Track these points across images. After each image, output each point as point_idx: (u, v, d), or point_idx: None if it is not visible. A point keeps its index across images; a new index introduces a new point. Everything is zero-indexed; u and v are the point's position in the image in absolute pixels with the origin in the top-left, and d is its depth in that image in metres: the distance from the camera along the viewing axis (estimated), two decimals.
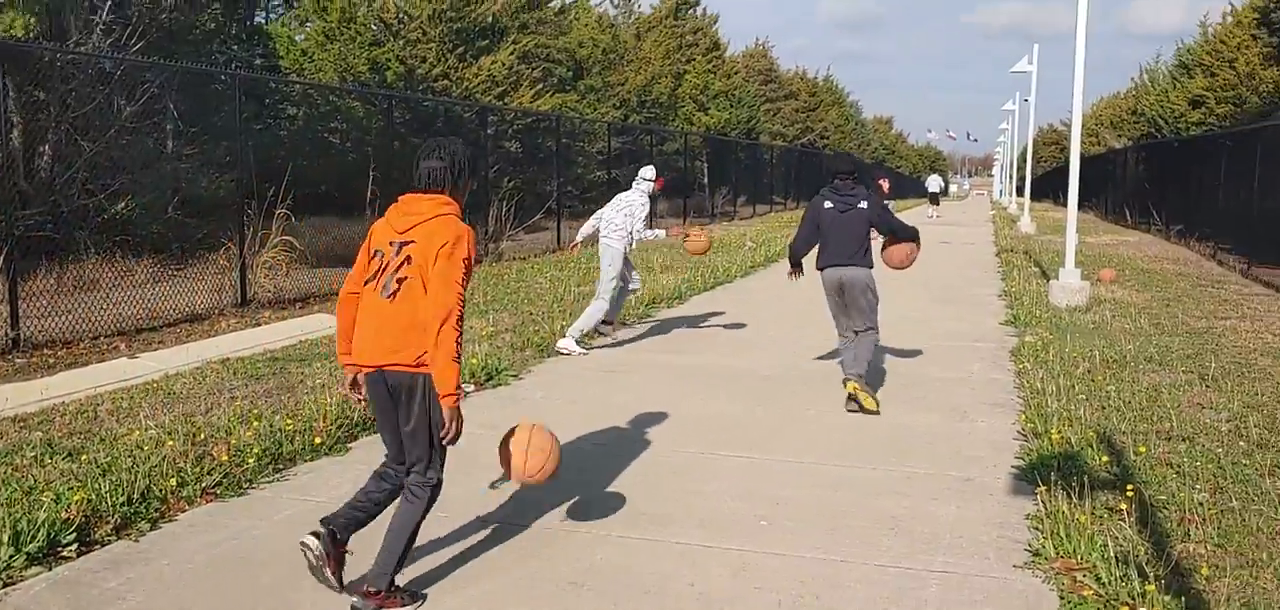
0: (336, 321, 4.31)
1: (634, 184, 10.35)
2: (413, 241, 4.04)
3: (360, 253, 4.26)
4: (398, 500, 4.22)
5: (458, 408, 3.99)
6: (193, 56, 19.81)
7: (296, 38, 26.27)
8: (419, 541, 4.39)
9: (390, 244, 4.11)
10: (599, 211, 10.50)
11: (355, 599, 4.12)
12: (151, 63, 15.38)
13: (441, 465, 4.20)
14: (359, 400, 4.30)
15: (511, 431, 4.48)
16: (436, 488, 4.19)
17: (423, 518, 4.18)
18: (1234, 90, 34.46)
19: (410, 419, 4.09)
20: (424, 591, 4.33)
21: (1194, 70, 37.55)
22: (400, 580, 4.23)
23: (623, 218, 10.13)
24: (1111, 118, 55.46)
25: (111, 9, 17.38)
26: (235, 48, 25.53)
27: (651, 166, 10.49)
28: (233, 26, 25.86)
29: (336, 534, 4.12)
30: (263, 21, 27.86)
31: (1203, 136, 28.77)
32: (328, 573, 4.06)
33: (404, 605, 4.16)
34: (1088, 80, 13.72)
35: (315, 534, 4.08)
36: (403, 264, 4.03)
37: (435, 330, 3.89)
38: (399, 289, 4.01)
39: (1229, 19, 35.84)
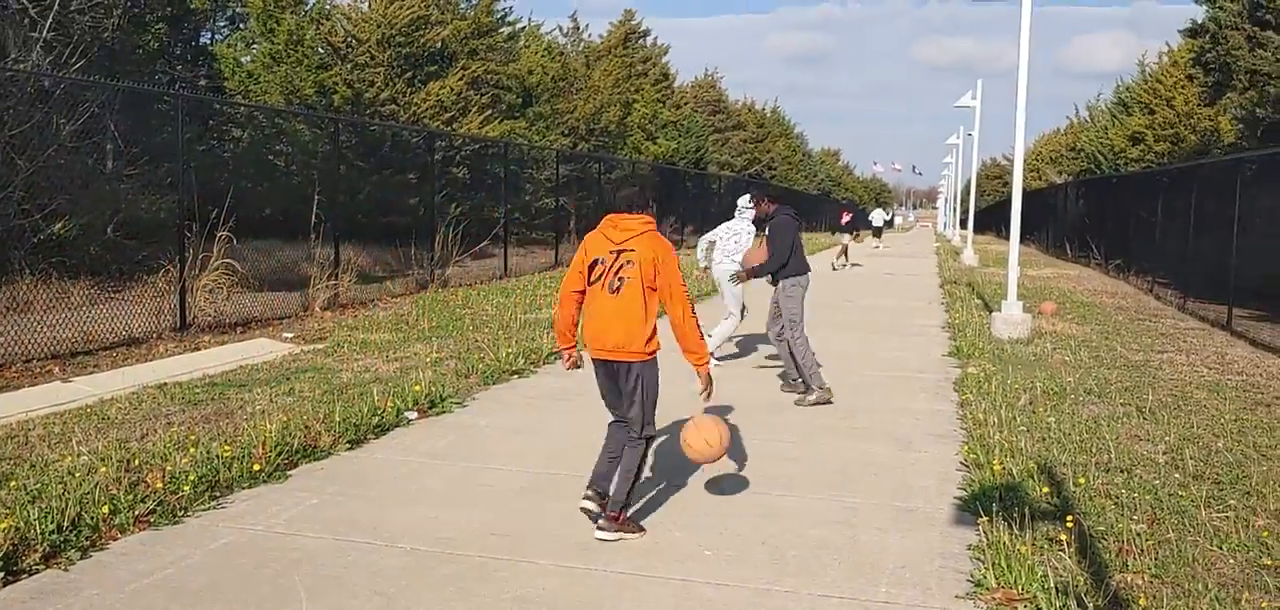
0: (558, 317, 5.59)
1: (737, 214, 10.97)
2: (631, 250, 5.34)
3: (576, 261, 5.50)
4: (625, 448, 5.45)
5: (708, 371, 5.51)
6: (136, 76, 19.52)
7: (242, 59, 25.98)
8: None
9: (610, 252, 5.38)
10: (709, 238, 11.30)
11: (601, 520, 5.35)
12: (92, 81, 15.12)
13: (653, 423, 5.49)
14: (573, 366, 5.68)
15: (695, 424, 5.56)
16: (650, 439, 5.51)
17: (643, 462, 5.47)
18: (1172, 128, 35.27)
19: (632, 393, 5.39)
20: (644, 524, 5.55)
21: (1133, 108, 38.39)
22: (629, 512, 5.50)
23: (733, 245, 10.82)
24: (1052, 153, 56.54)
25: (52, 26, 17.06)
26: (179, 68, 25.22)
27: (747, 194, 10.85)
28: (177, 46, 25.55)
29: (602, 491, 5.41)
30: (208, 42, 27.51)
31: (1140, 174, 29.40)
32: (603, 519, 5.36)
33: (633, 530, 5.42)
34: (1030, 116, 13.97)
35: (589, 497, 5.39)
36: (623, 267, 5.33)
37: (681, 320, 5.36)
38: (621, 286, 5.32)
39: (1166, 59, 36.70)
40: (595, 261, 5.41)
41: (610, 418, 5.60)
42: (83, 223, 15.16)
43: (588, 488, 5.43)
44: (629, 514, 5.49)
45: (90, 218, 15.52)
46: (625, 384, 5.39)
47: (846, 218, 31.23)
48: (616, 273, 5.33)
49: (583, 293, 5.46)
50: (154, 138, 17.19)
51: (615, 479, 5.42)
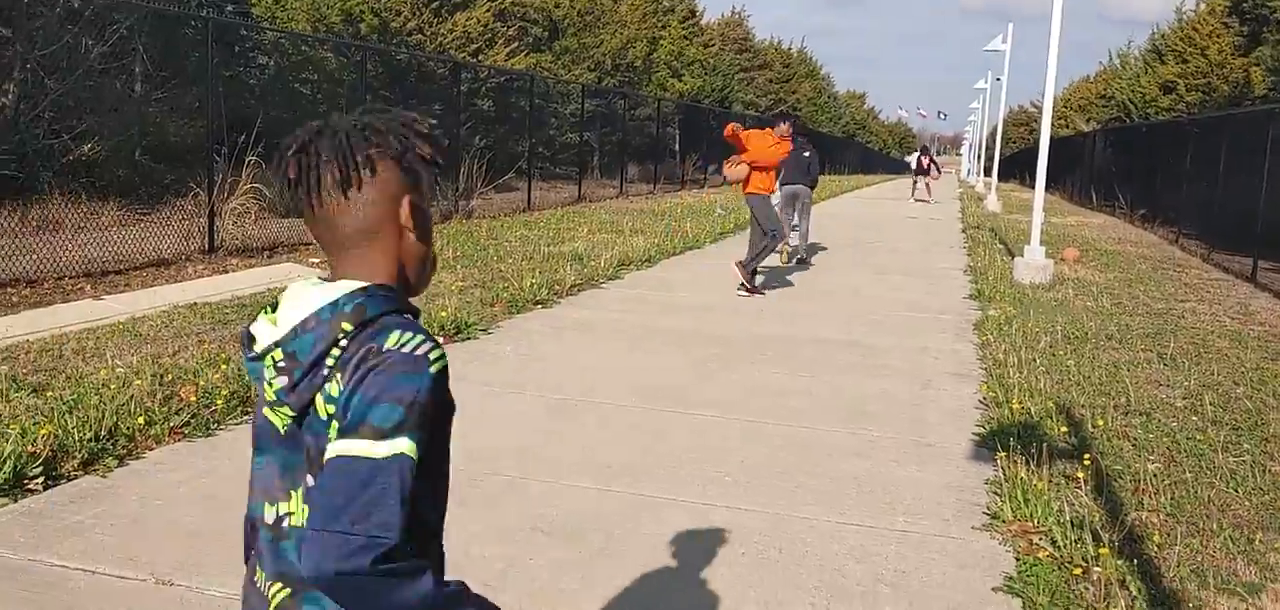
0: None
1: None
2: None
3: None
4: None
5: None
6: None
7: None
8: None
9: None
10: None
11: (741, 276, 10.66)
12: (122, 2, 15.17)
13: (777, 222, 10.94)
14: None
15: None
16: (775, 236, 10.84)
17: (764, 249, 10.95)
18: (1205, 78, 34.83)
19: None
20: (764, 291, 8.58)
21: (1166, 56, 37.87)
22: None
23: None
24: (1081, 101, 55.91)
25: None
26: None
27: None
28: None
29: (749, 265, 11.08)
30: None
31: (1170, 123, 29.09)
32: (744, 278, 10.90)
33: (755, 291, 10.78)
34: (1061, 62, 13.84)
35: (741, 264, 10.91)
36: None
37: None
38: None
39: (1203, 7, 36.16)
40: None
41: None
42: (111, 145, 15.28)
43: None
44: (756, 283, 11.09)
45: (119, 140, 15.64)
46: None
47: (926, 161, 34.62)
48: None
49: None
50: (182, 62, 17.26)
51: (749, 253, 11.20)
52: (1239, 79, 32.36)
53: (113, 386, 6.01)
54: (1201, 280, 14.95)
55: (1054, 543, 4.48)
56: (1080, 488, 5.22)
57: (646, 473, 5.35)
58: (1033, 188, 15.49)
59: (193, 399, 5.86)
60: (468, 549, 4.30)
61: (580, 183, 26.37)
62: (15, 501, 4.57)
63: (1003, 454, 5.61)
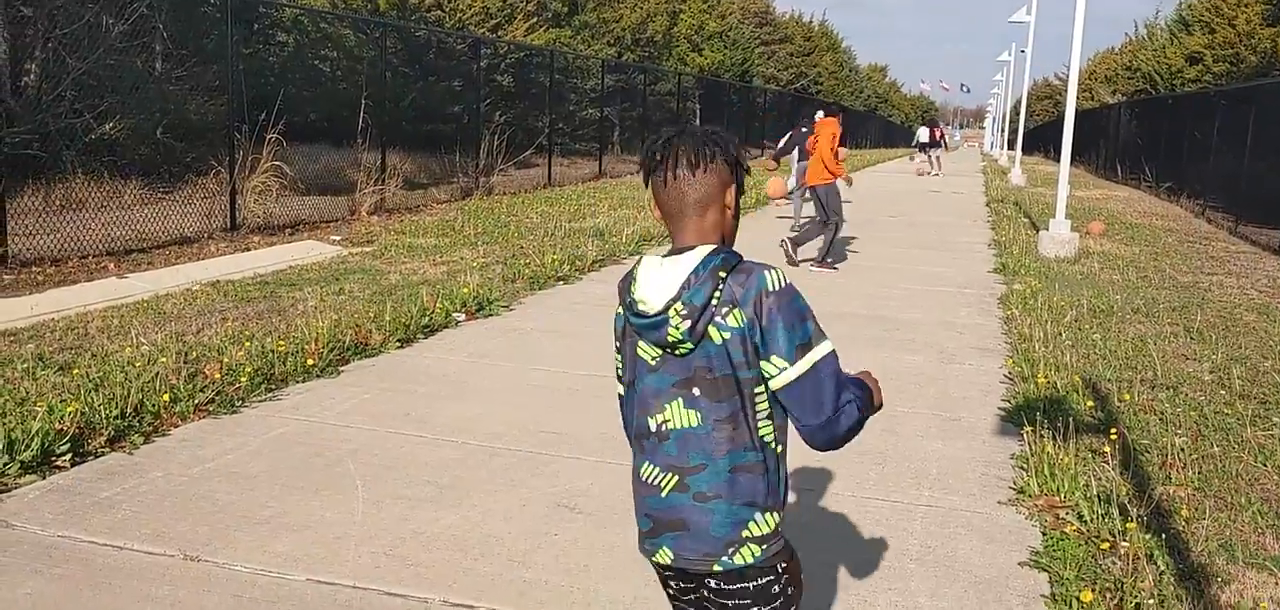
0: None
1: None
2: None
3: None
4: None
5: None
6: None
7: None
8: None
9: None
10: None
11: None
12: None
13: (838, 213, 11.45)
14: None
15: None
16: (838, 227, 11.26)
17: (829, 234, 11.41)
18: (1232, 48, 34.39)
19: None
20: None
21: (1193, 27, 37.39)
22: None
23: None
24: (1106, 72, 55.34)
25: None
26: None
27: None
28: None
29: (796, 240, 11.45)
30: None
31: (1196, 94, 28.75)
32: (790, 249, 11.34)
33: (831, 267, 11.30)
34: (1086, 32, 13.67)
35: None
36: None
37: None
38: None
39: None
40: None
41: None
42: (133, 123, 15.32)
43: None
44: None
45: (140, 119, 15.67)
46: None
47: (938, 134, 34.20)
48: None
49: None
50: (202, 40, 17.28)
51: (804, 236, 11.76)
52: (1267, 49, 31.92)
53: (138, 364, 6.04)
54: (1228, 253, 14.80)
55: (1081, 517, 4.44)
56: (1107, 462, 5.17)
57: None
58: (1057, 161, 15.35)
59: (217, 376, 5.89)
60: (490, 525, 4.30)
61: (601, 158, 26.30)
62: (43, 478, 4.60)
63: (1029, 428, 5.57)
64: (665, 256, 2.19)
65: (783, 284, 2.09)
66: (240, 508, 4.38)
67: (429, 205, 16.51)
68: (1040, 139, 65.50)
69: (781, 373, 2.10)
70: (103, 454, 4.92)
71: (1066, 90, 14.60)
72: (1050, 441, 5.28)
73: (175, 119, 16.55)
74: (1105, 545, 4.19)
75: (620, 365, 2.33)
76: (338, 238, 12.44)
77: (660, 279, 2.16)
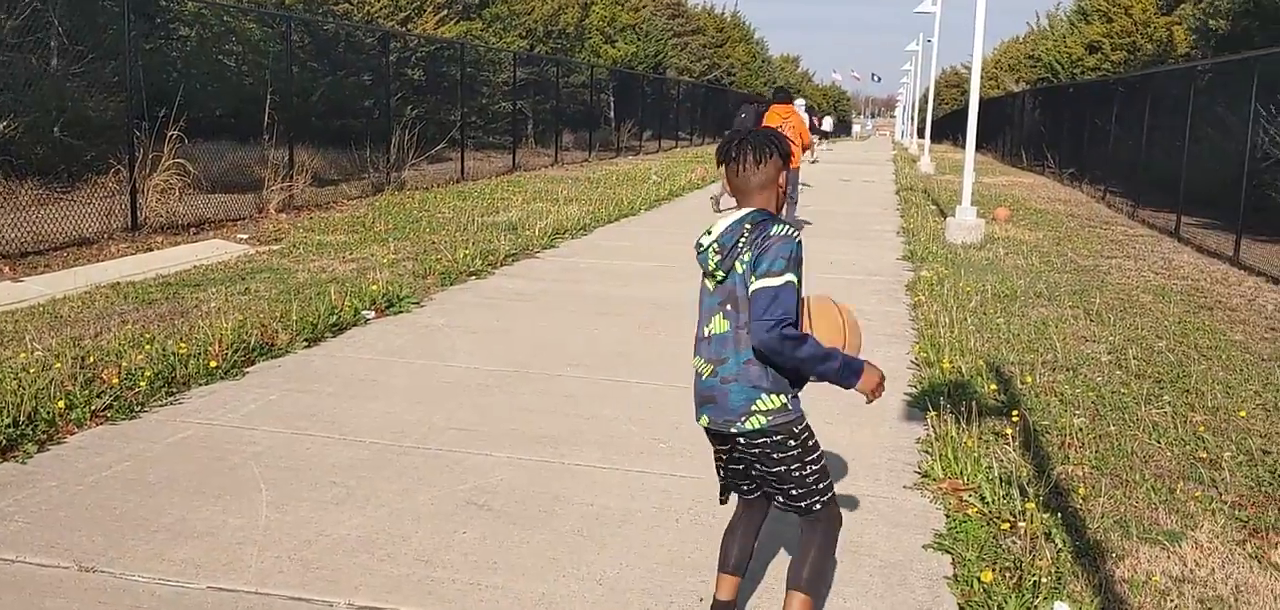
0: None
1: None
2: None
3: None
4: None
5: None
6: None
7: None
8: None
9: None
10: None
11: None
12: None
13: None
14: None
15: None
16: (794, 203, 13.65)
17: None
18: (1130, 37, 35.40)
19: None
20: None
21: (1092, 16, 38.40)
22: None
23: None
24: (1010, 61, 56.60)
25: None
26: None
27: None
28: None
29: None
30: None
31: (1096, 82, 29.56)
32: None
33: None
34: (989, 23, 13.98)
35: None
36: None
37: None
38: None
39: None
40: None
41: None
42: (28, 122, 14.81)
43: None
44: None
45: (35, 117, 15.16)
46: None
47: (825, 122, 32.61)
48: None
49: None
50: (100, 35, 16.76)
51: None
52: (1163, 37, 32.94)
53: (32, 370, 5.85)
54: (1127, 236, 15.26)
55: (983, 499, 4.55)
56: (1009, 444, 5.30)
57: (582, 442, 5.33)
58: (964, 148, 15.67)
59: (115, 381, 5.72)
60: (399, 525, 4.26)
61: (514, 151, 26.15)
62: None
63: (934, 413, 5.68)
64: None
65: (784, 234, 2.94)
66: (138, 516, 4.27)
67: (339, 202, 16.25)
68: (949, 127, 66.78)
69: (752, 286, 2.92)
70: None
71: (972, 78, 14.91)
72: (954, 425, 5.40)
73: (73, 116, 16.03)
74: (1006, 525, 4.29)
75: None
76: (245, 236, 12.19)
77: (717, 228, 3.05)
